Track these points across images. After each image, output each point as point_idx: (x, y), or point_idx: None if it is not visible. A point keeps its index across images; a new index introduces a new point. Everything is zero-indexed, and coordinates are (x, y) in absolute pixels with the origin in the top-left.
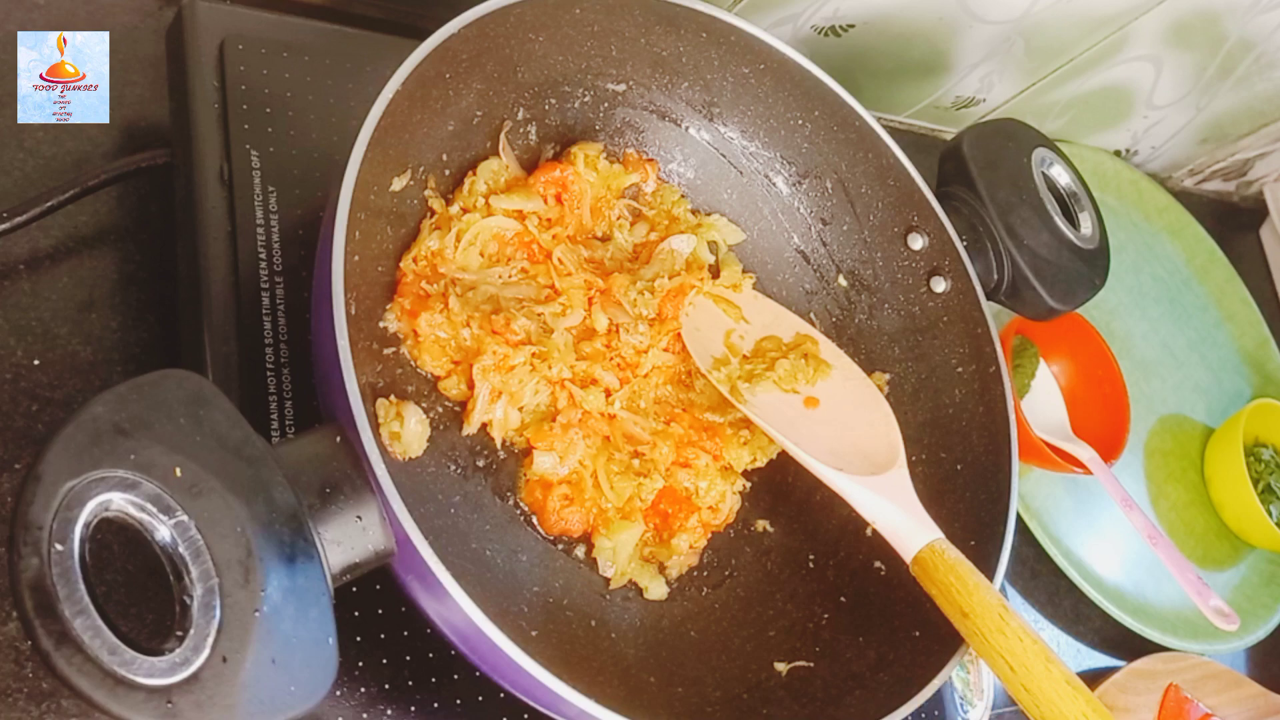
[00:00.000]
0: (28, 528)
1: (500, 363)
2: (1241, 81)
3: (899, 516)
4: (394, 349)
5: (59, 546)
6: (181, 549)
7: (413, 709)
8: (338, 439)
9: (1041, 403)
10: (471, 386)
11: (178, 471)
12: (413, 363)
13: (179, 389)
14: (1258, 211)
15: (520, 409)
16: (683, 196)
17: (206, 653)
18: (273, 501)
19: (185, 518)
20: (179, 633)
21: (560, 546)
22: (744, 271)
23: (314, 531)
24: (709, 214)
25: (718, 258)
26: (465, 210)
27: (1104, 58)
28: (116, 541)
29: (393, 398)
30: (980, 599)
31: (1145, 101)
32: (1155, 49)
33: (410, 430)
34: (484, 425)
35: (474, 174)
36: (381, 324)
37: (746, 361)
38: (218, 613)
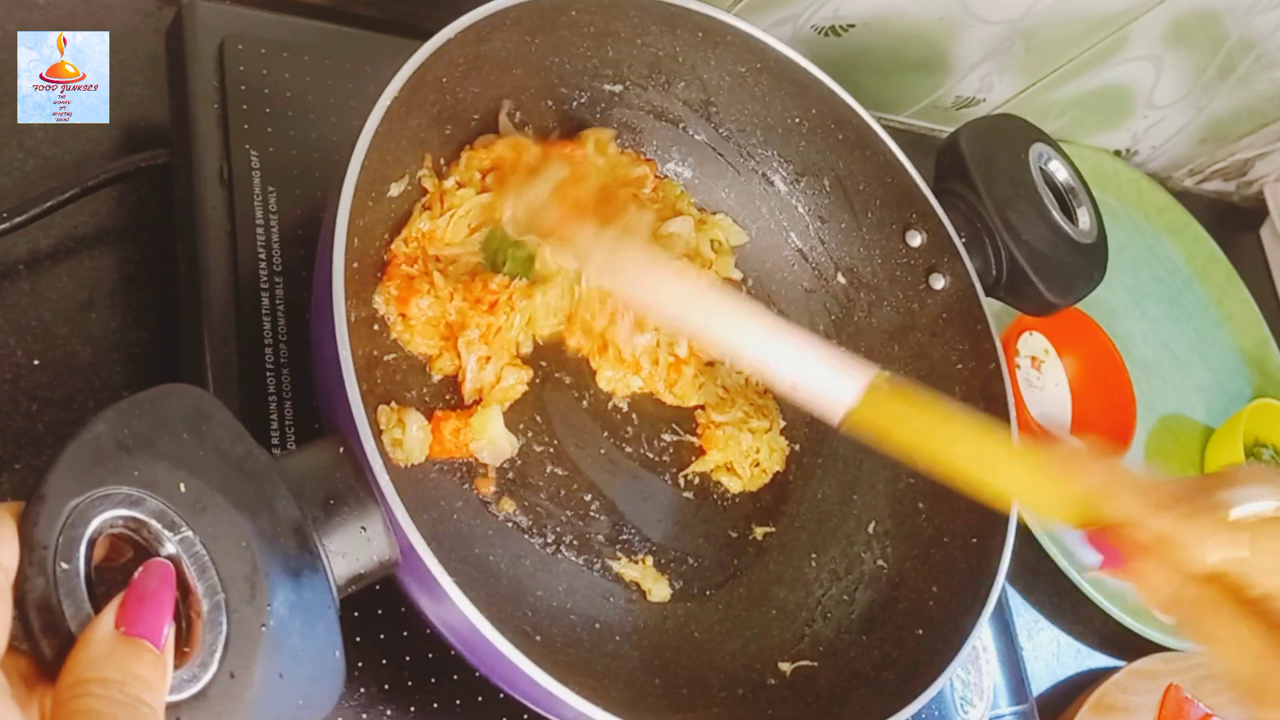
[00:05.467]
0: (33, 547)
1: (486, 334)
2: (1241, 81)
3: (831, 368)
4: (395, 354)
5: (64, 565)
6: (187, 565)
7: (412, 709)
8: (340, 450)
9: (1050, 398)
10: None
11: (182, 487)
12: (404, 347)
13: (181, 404)
14: (1258, 211)
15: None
16: (684, 190)
17: (214, 669)
18: (277, 515)
19: (190, 534)
20: (185, 649)
21: (562, 550)
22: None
23: (319, 544)
24: (714, 213)
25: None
26: (460, 185)
27: (1104, 58)
28: (122, 559)
29: (394, 404)
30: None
31: (1145, 101)
32: (1155, 49)
33: (412, 437)
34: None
35: (471, 148)
36: (372, 306)
37: None
38: (224, 629)
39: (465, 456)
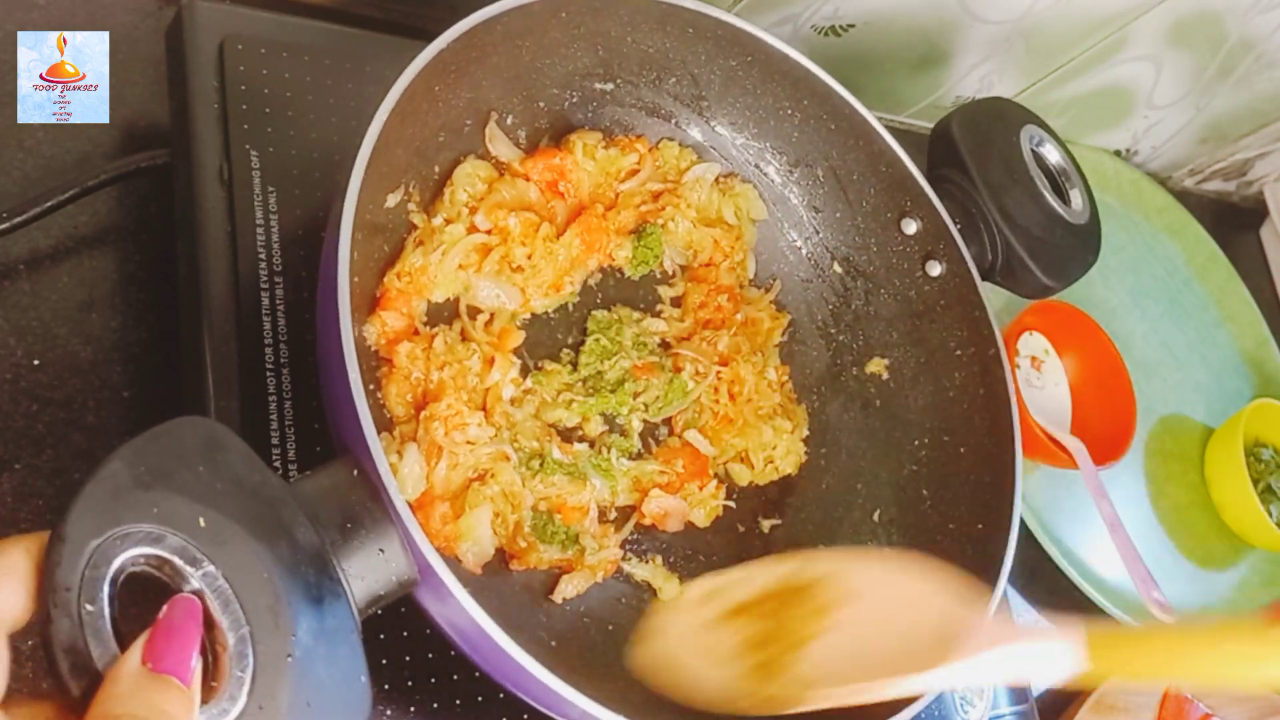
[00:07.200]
0: (56, 589)
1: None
2: (1241, 81)
3: (1037, 649)
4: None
5: (89, 607)
6: (211, 599)
7: (412, 709)
8: (354, 472)
9: (1050, 398)
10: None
11: (201, 521)
12: (380, 395)
13: (194, 435)
14: (1258, 211)
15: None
16: (683, 146)
17: (243, 702)
18: (296, 542)
19: (212, 568)
20: (213, 683)
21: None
22: None
23: (338, 568)
24: (746, 182)
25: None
26: (449, 221)
27: (1104, 58)
28: (146, 596)
29: (395, 432)
30: (1165, 644)
31: (1145, 101)
32: (1155, 49)
33: (409, 471)
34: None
35: (452, 184)
36: (362, 334)
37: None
38: (250, 661)
39: (449, 554)
